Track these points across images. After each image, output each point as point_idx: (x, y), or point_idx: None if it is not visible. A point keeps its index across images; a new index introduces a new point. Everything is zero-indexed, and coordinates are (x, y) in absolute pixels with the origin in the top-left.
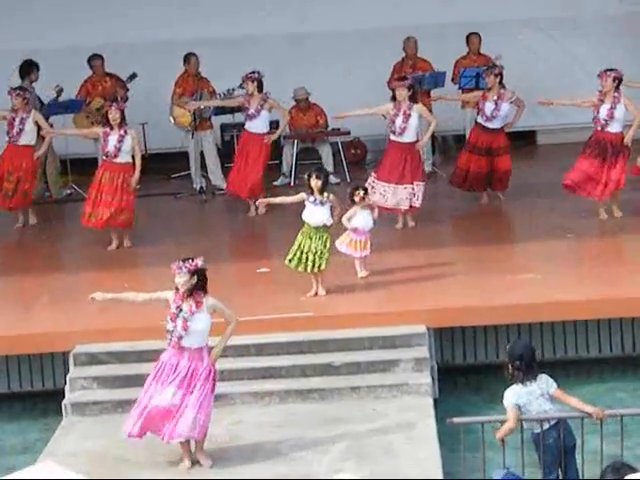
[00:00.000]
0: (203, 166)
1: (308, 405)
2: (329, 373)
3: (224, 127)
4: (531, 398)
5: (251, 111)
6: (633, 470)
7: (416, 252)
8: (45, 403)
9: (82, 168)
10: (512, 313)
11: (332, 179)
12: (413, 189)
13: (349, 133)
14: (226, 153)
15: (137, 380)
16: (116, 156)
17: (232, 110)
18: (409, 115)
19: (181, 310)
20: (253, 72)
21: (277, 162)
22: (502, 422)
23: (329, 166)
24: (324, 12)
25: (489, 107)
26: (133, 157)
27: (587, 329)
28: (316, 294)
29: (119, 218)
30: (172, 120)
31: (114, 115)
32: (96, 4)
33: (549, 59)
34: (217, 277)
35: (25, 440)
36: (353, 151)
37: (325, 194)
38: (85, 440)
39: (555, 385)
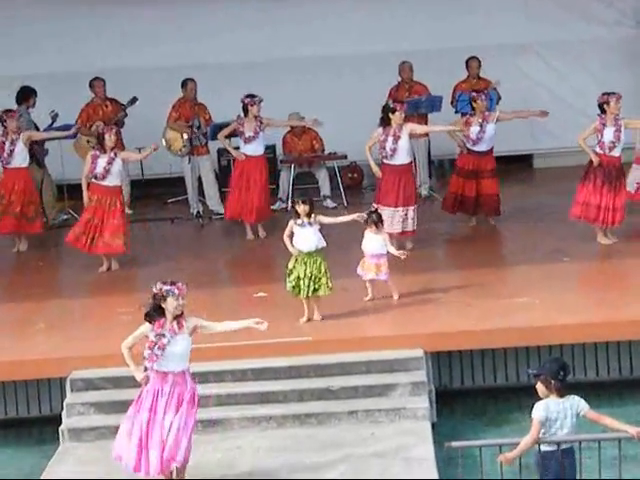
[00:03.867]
0: (200, 191)
1: (306, 430)
2: (327, 397)
3: (221, 152)
4: (560, 415)
5: (249, 134)
6: None
7: (413, 276)
8: (42, 429)
9: (79, 193)
10: (509, 337)
11: (329, 203)
12: (406, 214)
13: (346, 157)
14: (223, 178)
15: None
16: (104, 178)
17: (229, 135)
18: (399, 137)
19: (163, 335)
20: (253, 95)
21: (274, 186)
22: (500, 446)
23: (326, 190)
24: (319, 36)
25: (474, 130)
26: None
27: (584, 352)
28: (309, 319)
29: (113, 244)
30: (164, 142)
31: (112, 139)
32: (93, 29)
33: (545, 83)
34: (214, 301)
35: (22, 466)
36: (350, 175)
37: (312, 216)
38: (82, 466)
39: (587, 406)
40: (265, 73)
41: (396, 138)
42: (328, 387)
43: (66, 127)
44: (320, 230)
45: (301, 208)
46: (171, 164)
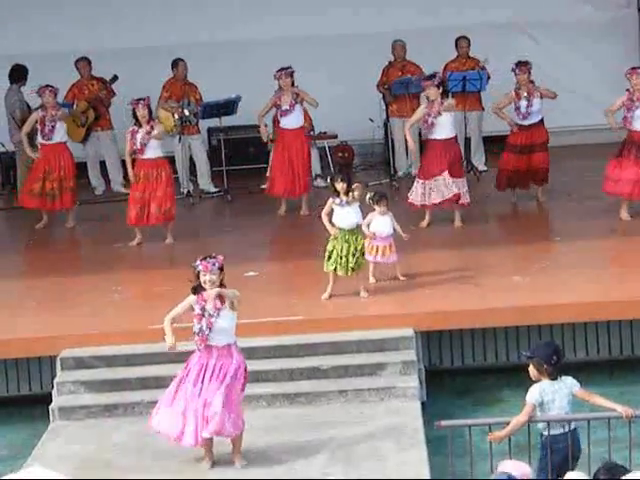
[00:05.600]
0: (191, 170)
1: (296, 409)
2: (317, 377)
3: (211, 131)
4: (556, 397)
5: (285, 107)
6: (626, 470)
7: (404, 256)
8: (32, 407)
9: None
10: (500, 316)
11: (320, 182)
12: (450, 182)
13: (336, 137)
14: (214, 157)
15: (125, 384)
16: (143, 152)
17: (219, 113)
18: (439, 112)
19: (205, 310)
20: (284, 68)
21: (265, 165)
22: (490, 425)
23: (317, 169)
24: (310, 15)
25: (523, 105)
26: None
27: (575, 332)
28: (331, 296)
29: (161, 212)
30: None
31: (142, 112)
32: (80, 9)
33: (534, 62)
34: None
35: (12, 445)
36: (340, 154)
37: (350, 194)
38: (72, 444)
39: (578, 385)
40: (257, 52)
41: (437, 113)
42: (318, 366)
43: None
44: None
45: (340, 185)
46: (163, 144)
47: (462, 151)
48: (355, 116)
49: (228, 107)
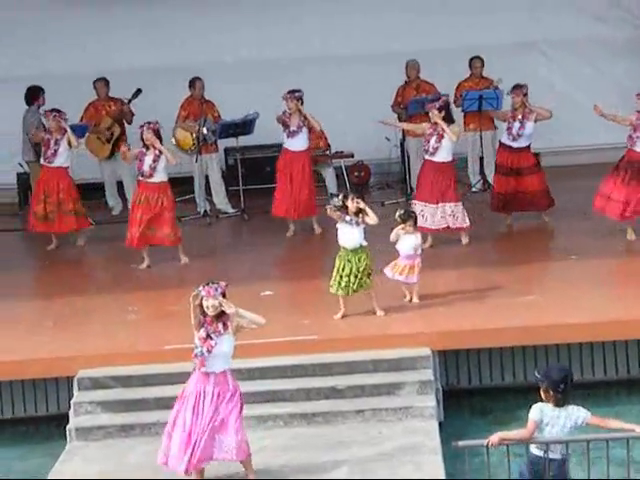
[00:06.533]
0: (207, 189)
1: (312, 429)
2: (333, 396)
3: (228, 151)
4: (552, 422)
5: (293, 128)
6: None
7: (420, 274)
8: (49, 428)
9: (86, 193)
10: (517, 335)
11: (336, 202)
12: (446, 209)
13: (352, 156)
14: (230, 176)
15: (141, 404)
16: (151, 176)
17: (235, 133)
18: (442, 136)
19: (209, 335)
20: (295, 90)
21: None
22: (507, 445)
23: (333, 189)
24: (326, 35)
25: (516, 126)
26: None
27: (592, 351)
28: (344, 316)
29: (158, 235)
30: (173, 141)
31: (146, 135)
32: (96, 30)
33: (550, 82)
34: None
35: (29, 465)
36: (356, 174)
37: (360, 215)
38: (89, 465)
39: (589, 414)
40: (273, 72)
41: (440, 137)
42: (335, 386)
43: (75, 128)
44: (365, 229)
45: (352, 205)
46: (182, 163)
47: (457, 173)
48: (371, 135)
49: (245, 127)
